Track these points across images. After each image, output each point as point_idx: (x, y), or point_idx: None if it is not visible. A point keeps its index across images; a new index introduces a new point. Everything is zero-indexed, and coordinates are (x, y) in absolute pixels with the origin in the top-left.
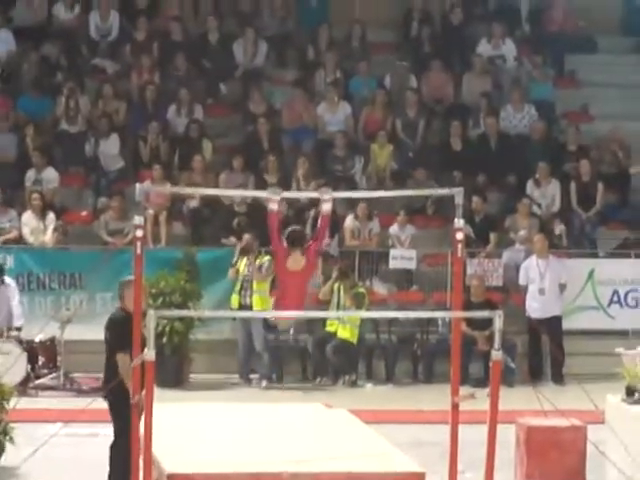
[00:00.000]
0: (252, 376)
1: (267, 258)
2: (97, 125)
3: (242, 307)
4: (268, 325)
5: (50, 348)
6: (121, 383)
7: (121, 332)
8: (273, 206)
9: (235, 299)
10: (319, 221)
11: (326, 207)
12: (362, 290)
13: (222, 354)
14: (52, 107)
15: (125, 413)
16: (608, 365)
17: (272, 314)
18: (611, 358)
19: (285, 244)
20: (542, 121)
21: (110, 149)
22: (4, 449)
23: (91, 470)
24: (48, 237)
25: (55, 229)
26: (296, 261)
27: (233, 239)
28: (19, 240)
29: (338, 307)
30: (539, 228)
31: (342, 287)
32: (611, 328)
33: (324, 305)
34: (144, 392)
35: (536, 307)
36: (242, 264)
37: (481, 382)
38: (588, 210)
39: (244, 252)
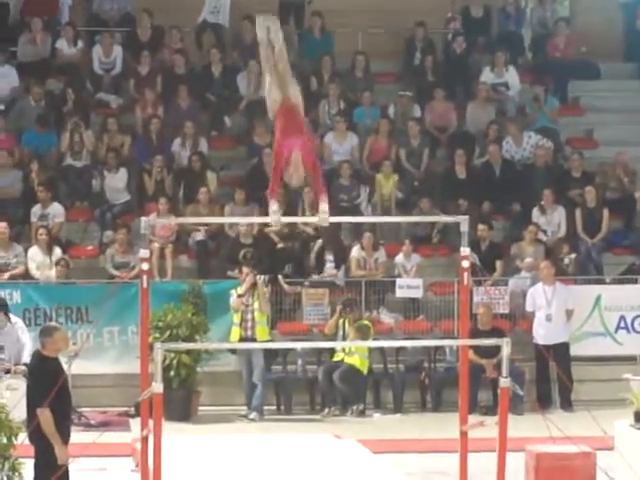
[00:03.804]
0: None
1: (266, 290)
2: (104, 159)
3: (243, 339)
4: (271, 357)
5: None
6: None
7: (40, 382)
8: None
9: (236, 331)
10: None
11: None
12: (367, 323)
13: (230, 386)
14: (56, 142)
15: (48, 461)
16: (616, 391)
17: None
18: (619, 384)
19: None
20: (546, 148)
21: (117, 183)
22: None
23: None
24: (54, 272)
25: (57, 263)
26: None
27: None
28: (25, 275)
29: (344, 340)
30: (545, 255)
31: (347, 321)
32: (619, 354)
33: (331, 338)
34: (152, 424)
35: (543, 334)
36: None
37: (490, 410)
38: (594, 236)
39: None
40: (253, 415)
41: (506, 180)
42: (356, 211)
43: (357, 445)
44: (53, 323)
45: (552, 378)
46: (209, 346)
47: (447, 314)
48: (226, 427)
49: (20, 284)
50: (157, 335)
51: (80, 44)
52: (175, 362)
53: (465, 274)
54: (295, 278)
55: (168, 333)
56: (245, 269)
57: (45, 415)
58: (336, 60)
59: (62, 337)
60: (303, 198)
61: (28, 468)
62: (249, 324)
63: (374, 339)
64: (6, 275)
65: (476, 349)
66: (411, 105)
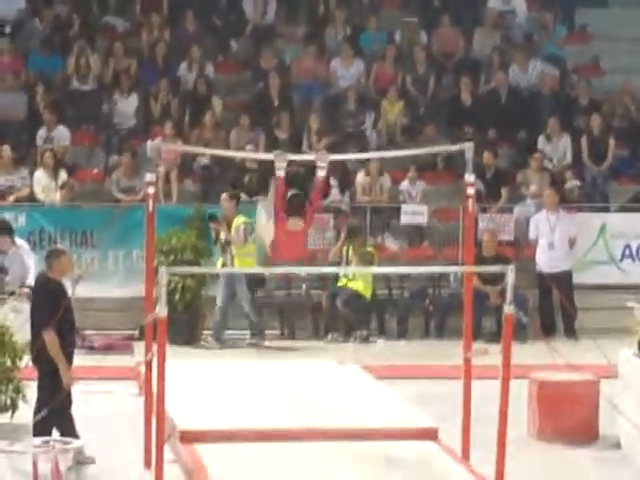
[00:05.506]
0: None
1: (242, 220)
2: (115, 83)
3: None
4: (255, 284)
5: None
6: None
7: (44, 303)
8: (280, 172)
9: (220, 262)
10: (314, 185)
11: (321, 172)
12: (371, 249)
13: (235, 310)
14: (63, 65)
15: (51, 383)
16: (621, 320)
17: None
18: (624, 312)
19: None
20: (552, 75)
21: (127, 107)
22: (17, 407)
23: (104, 427)
24: (59, 195)
25: (62, 186)
26: (295, 224)
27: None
28: (31, 198)
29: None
30: (550, 183)
31: (351, 248)
32: (623, 282)
33: (335, 265)
34: (156, 348)
35: (545, 261)
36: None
37: (494, 337)
38: (600, 164)
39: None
40: (248, 339)
41: (512, 107)
42: (361, 137)
43: (360, 371)
44: (60, 246)
45: (555, 306)
46: (213, 270)
47: (451, 241)
48: (231, 351)
49: (25, 207)
50: (162, 259)
51: None
52: (180, 286)
53: (470, 201)
54: None
55: (173, 257)
56: (223, 195)
57: (50, 336)
58: None
59: (69, 260)
60: (310, 124)
61: (32, 390)
62: (228, 256)
63: (378, 266)
64: (11, 198)
65: (480, 276)
66: (417, 31)
